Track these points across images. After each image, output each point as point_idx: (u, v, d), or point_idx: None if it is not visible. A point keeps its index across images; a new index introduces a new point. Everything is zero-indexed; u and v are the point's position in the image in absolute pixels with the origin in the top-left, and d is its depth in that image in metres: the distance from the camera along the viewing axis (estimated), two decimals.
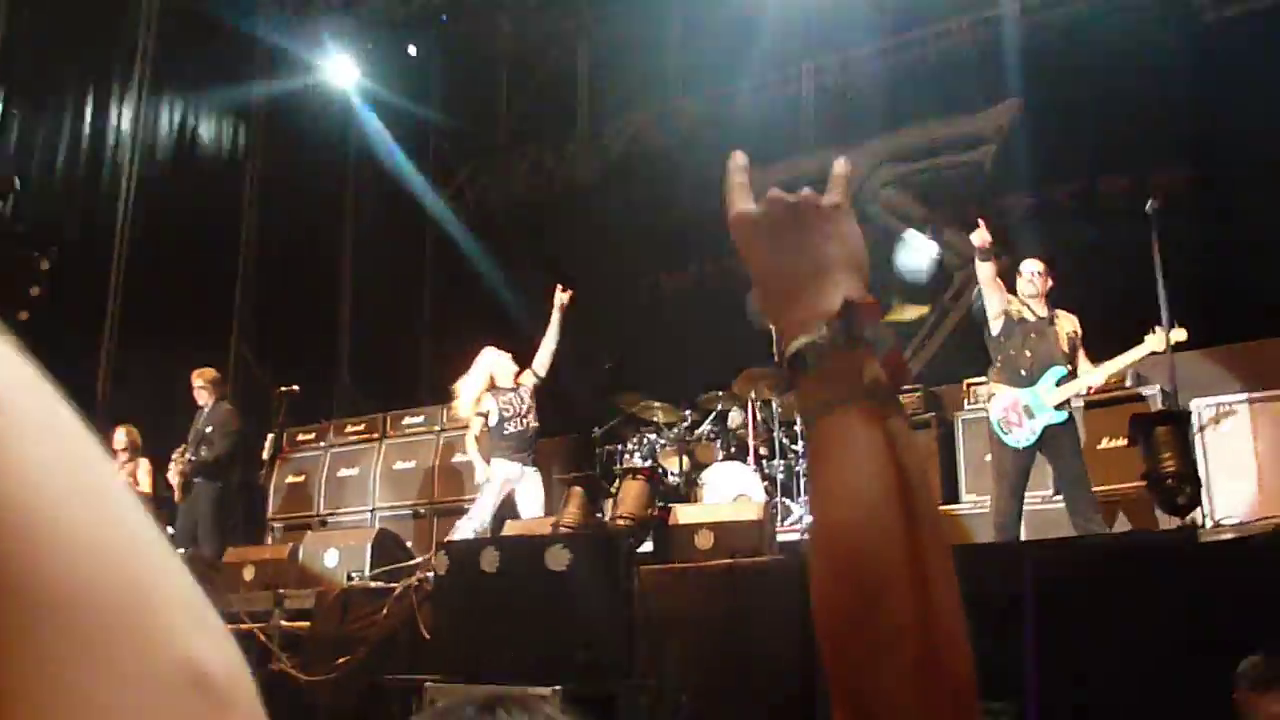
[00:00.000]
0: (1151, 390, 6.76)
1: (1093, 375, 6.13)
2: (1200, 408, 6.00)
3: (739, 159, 1.02)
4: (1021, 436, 5.99)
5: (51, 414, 0.44)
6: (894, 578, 0.74)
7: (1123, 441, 5.97)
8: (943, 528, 0.79)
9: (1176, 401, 6.09)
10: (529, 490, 7.52)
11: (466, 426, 7.98)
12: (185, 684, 0.42)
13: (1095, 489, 6.43)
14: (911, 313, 8.13)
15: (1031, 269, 6.41)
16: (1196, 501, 5.22)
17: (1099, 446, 6.65)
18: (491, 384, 7.62)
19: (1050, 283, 6.39)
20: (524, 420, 7.58)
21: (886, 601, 0.73)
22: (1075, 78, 9.41)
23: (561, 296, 7.73)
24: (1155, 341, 5.87)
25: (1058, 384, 6.01)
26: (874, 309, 0.84)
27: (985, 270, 6.29)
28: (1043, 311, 6.31)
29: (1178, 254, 6.19)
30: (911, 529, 0.75)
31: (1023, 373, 6.11)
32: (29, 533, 0.41)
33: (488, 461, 7.51)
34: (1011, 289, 6.40)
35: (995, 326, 6.31)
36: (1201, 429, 5.94)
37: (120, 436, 8.60)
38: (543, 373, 7.69)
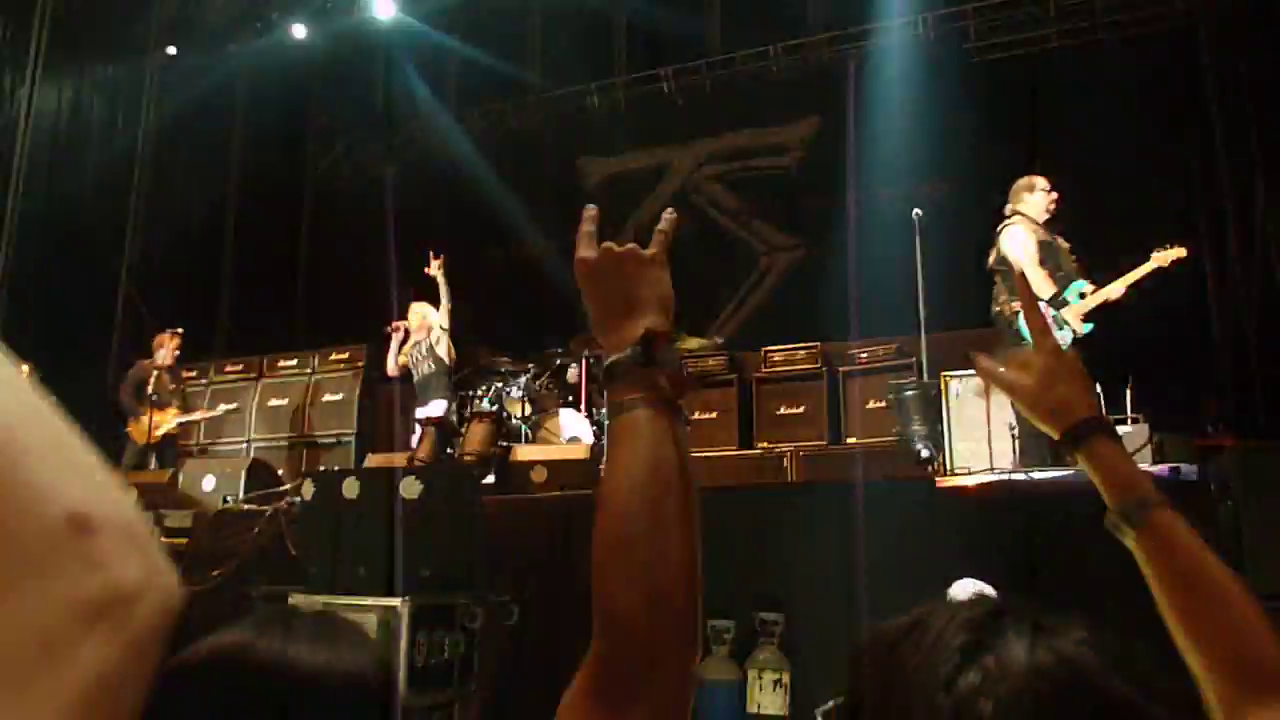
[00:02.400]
0: (909, 362, 7.12)
1: (1112, 288, 5.52)
2: (948, 379, 6.38)
3: (590, 211, 1.14)
4: None
5: None
6: (646, 531, 0.89)
7: (884, 403, 6.31)
8: (692, 497, 0.93)
9: (924, 374, 6.45)
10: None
11: (335, 371, 7.89)
12: (67, 529, 0.42)
13: (861, 441, 6.80)
14: (694, 343, 8.36)
15: (1047, 185, 5.78)
16: (936, 455, 5.57)
17: (866, 407, 7.01)
18: (406, 336, 7.66)
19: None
20: (420, 369, 7.61)
21: (639, 545, 0.88)
22: (867, 103, 9.76)
23: (434, 264, 7.71)
24: (1160, 258, 5.51)
25: (1081, 298, 5.50)
26: (665, 338, 1.00)
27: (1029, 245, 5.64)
28: (1052, 231, 5.76)
29: (937, 251, 6.54)
30: (665, 497, 0.90)
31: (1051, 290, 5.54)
32: None
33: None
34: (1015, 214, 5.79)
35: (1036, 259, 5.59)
36: (947, 397, 6.31)
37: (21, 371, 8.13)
38: (445, 324, 7.71)
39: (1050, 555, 4.15)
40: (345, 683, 0.92)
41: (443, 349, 7.78)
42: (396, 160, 12.52)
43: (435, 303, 7.80)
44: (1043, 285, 5.42)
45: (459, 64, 12.36)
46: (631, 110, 11.39)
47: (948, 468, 5.57)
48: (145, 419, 8.06)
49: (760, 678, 4.34)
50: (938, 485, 4.92)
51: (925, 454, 5.37)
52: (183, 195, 11.76)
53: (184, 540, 5.92)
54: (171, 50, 11.80)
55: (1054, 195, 5.75)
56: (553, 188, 11.44)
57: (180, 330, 8.05)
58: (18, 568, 0.41)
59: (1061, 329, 5.38)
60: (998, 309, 5.62)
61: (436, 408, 7.61)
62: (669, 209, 1.17)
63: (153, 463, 7.97)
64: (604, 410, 7.80)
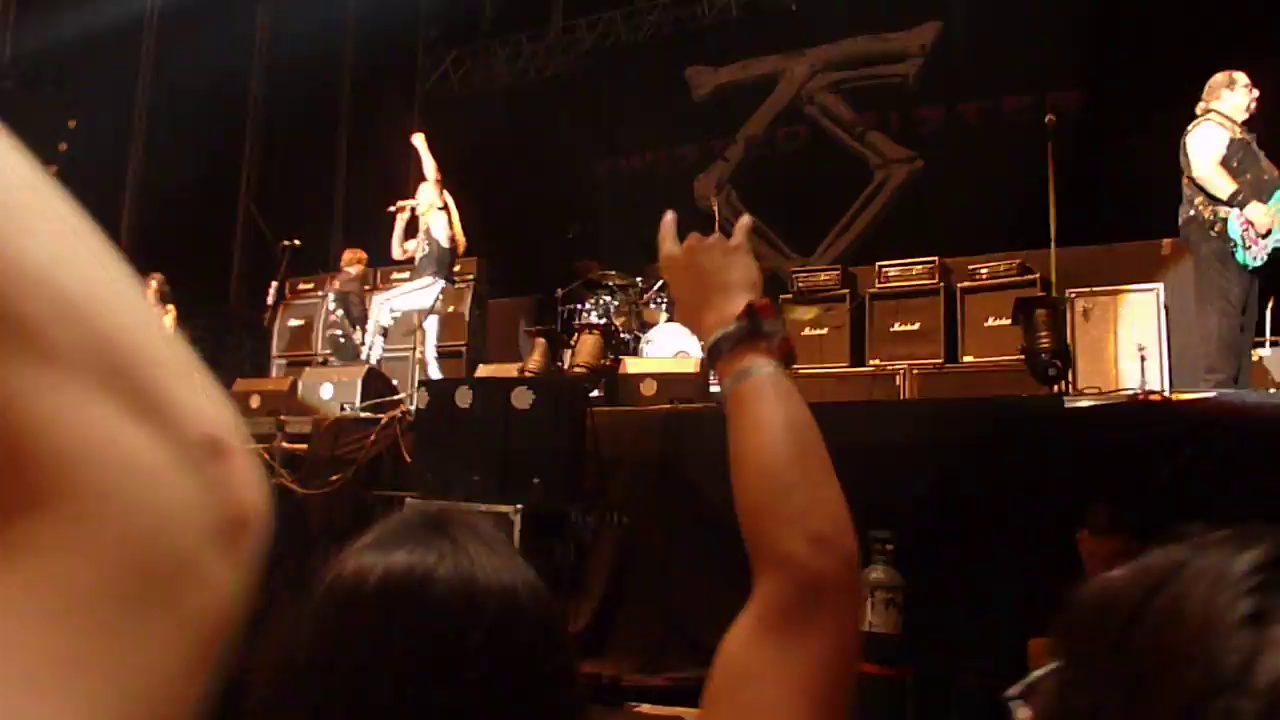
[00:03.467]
0: (1033, 278, 6.82)
1: None
2: (1073, 296, 6.08)
3: (669, 219, 1.19)
4: (1258, 255, 5.09)
5: (40, 192, 0.43)
6: (801, 478, 0.94)
7: (1006, 321, 6.03)
8: (823, 446, 0.97)
9: (1054, 290, 6.16)
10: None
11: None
12: (205, 451, 0.42)
13: (980, 359, 6.54)
14: (802, 313, 8.07)
15: (1248, 81, 5.30)
16: (1064, 374, 5.32)
17: (986, 324, 6.73)
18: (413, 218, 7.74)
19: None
20: (418, 252, 7.67)
21: (795, 492, 0.94)
22: (990, 5, 9.23)
23: (414, 137, 7.90)
24: None
25: None
26: (769, 308, 1.03)
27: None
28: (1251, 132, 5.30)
29: (1066, 166, 6.18)
30: (812, 446, 0.96)
31: (1260, 195, 5.12)
32: (88, 299, 0.41)
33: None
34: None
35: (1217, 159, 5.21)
36: (1073, 314, 6.02)
37: (153, 283, 8.42)
38: (440, 201, 7.73)
39: (1189, 482, 3.92)
40: (526, 592, 0.88)
41: (440, 229, 7.59)
42: (505, 73, 12.43)
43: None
44: (1221, 185, 5.05)
45: None
46: (743, 17, 11.01)
47: (1074, 388, 5.33)
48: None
49: (873, 596, 4.26)
50: (1065, 405, 4.69)
51: (1052, 373, 5.13)
52: (293, 108, 11.91)
53: (303, 446, 6.09)
54: None
55: (1255, 92, 5.31)
56: (661, 99, 11.21)
57: (297, 242, 8.20)
58: (160, 490, 0.40)
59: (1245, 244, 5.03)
60: (1191, 213, 5.26)
61: (423, 297, 7.52)
62: (745, 218, 1.20)
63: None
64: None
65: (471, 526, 0.92)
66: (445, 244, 7.56)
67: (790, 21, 10.64)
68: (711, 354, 1.03)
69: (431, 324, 7.69)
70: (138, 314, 0.44)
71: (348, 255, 8.82)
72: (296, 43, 11.83)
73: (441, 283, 7.52)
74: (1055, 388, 5.19)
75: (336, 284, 8.67)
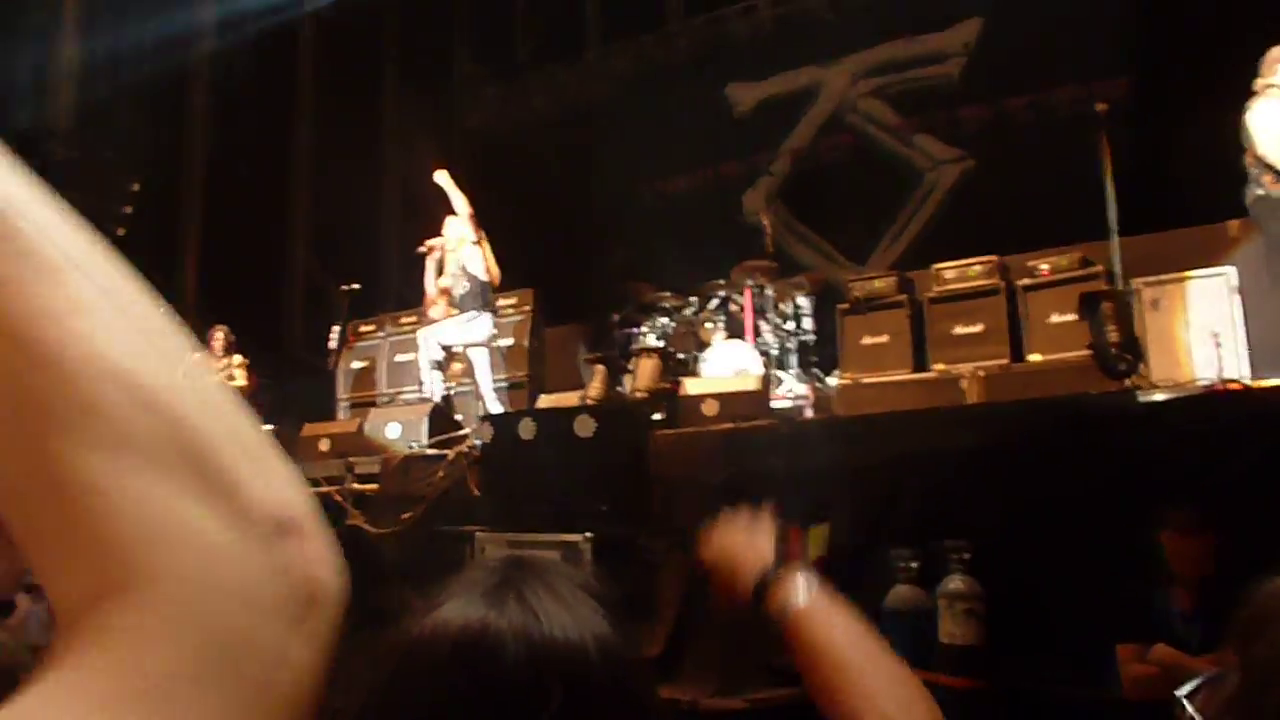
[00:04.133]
0: (1096, 270, 6.68)
1: None
2: (1140, 286, 5.95)
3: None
4: None
5: (119, 289, 0.45)
6: (872, 689, 1.07)
7: (1070, 317, 5.92)
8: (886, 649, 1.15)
9: (1119, 281, 6.02)
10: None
11: (504, 317, 8.05)
12: (275, 531, 0.43)
13: (1047, 357, 6.42)
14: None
15: None
16: (1136, 368, 5.20)
17: (1050, 321, 6.61)
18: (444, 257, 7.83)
19: None
20: (456, 289, 7.73)
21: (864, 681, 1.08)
22: None
23: (438, 174, 7.97)
24: None
25: None
26: (798, 538, 1.31)
27: None
28: None
29: (1121, 153, 6.06)
30: (880, 648, 1.13)
31: None
32: (165, 391, 0.42)
33: None
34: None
35: None
36: (1141, 305, 5.89)
37: (220, 334, 8.63)
38: (474, 235, 7.87)
39: (1274, 474, 3.79)
40: (596, 647, 0.87)
41: (476, 263, 7.62)
42: (544, 102, 12.56)
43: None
44: None
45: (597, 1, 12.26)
46: (778, 31, 11.01)
47: (1148, 380, 5.20)
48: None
49: (951, 607, 4.18)
50: (1139, 399, 4.58)
51: (1122, 367, 5.01)
52: (340, 153, 12.16)
53: (373, 485, 6.17)
54: None
55: None
56: (703, 118, 11.23)
57: (356, 286, 8.35)
58: (232, 572, 0.42)
59: None
60: (1260, 192, 5.11)
61: (480, 329, 7.53)
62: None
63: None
64: (769, 340, 7.70)
65: (544, 577, 0.92)
66: (483, 277, 7.63)
67: (827, 31, 10.62)
68: (757, 593, 1.21)
69: (481, 357, 7.73)
70: (209, 400, 0.45)
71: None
72: (339, 89, 12.10)
73: (488, 315, 7.59)
74: (1127, 382, 5.07)
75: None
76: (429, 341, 7.65)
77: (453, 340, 7.61)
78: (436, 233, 12.23)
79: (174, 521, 0.41)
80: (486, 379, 7.71)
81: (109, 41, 10.06)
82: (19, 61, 9.36)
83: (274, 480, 0.45)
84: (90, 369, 0.41)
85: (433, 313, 8.07)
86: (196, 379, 0.45)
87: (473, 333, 7.58)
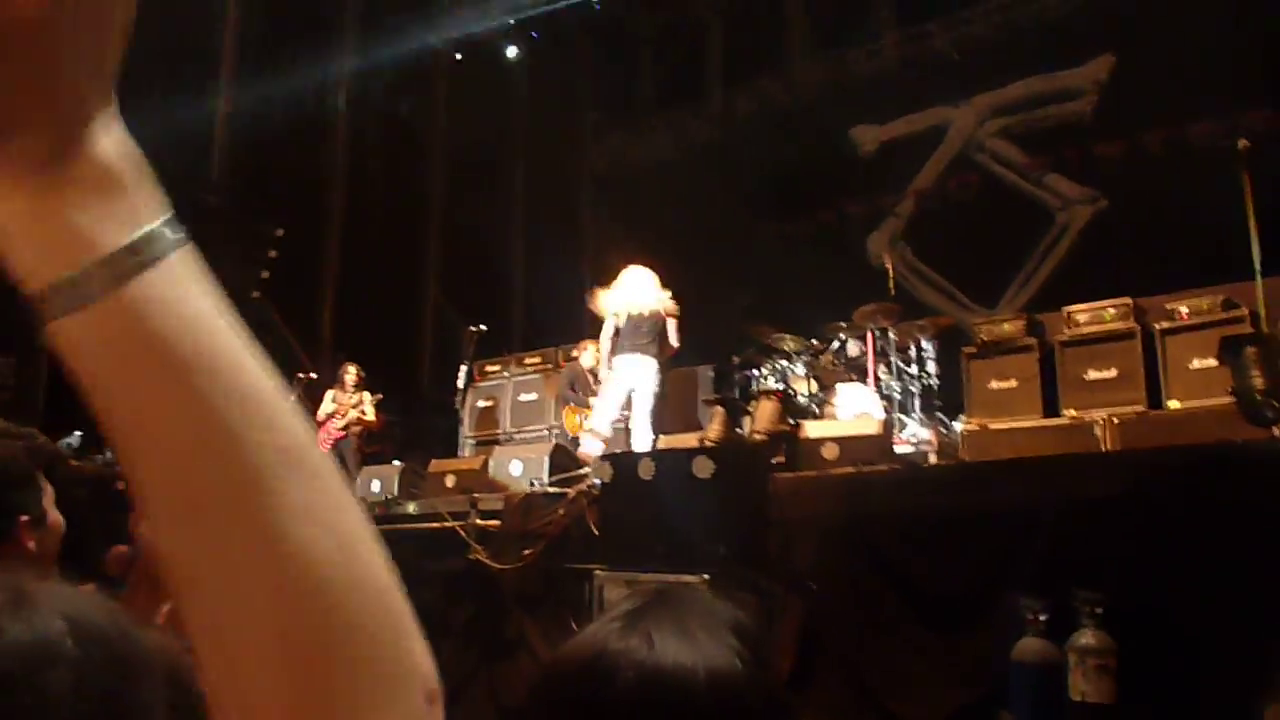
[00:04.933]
0: (1240, 314, 6.39)
1: None
2: None
3: None
4: None
5: (324, 481, 0.49)
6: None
7: (1213, 361, 5.67)
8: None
9: (1264, 324, 5.75)
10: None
11: None
12: (425, 695, 0.48)
13: (1186, 404, 6.16)
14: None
15: None
16: None
17: (1190, 366, 6.35)
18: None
19: None
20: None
21: None
22: (1166, 29, 8.85)
23: None
24: None
25: None
26: None
27: None
28: None
29: (1265, 190, 5.81)
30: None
31: None
32: (352, 585, 0.46)
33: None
34: None
35: None
36: None
37: (351, 371, 9.01)
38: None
39: None
40: (708, 679, 0.90)
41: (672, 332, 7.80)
42: (669, 146, 12.75)
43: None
44: None
45: (719, 44, 12.42)
46: (902, 70, 10.94)
47: None
48: (576, 413, 8.59)
49: (1083, 662, 4.02)
50: None
51: (1269, 414, 4.76)
52: (472, 200, 12.59)
53: (496, 522, 6.32)
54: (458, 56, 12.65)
55: None
56: (826, 161, 11.23)
57: (484, 327, 8.60)
58: None
59: None
60: None
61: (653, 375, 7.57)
62: None
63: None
64: (891, 384, 7.60)
65: (676, 608, 0.95)
66: (673, 341, 7.74)
67: (952, 70, 10.51)
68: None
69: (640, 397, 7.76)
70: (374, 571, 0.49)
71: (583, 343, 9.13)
72: (472, 136, 12.57)
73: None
74: (1275, 431, 4.81)
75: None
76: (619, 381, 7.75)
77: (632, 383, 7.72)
78: (564, 274, 12.51)
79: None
80: (643, 416, 7.73)
81: (256, 92, 10.71)
82: (177, 113, 10.06)
83: (419, 645, 0.50)
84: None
85: (584, 359, 8.51)
86: (382, 561, 0.50)
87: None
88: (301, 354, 9.85)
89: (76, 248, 0.47)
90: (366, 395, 9.03)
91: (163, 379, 0.47)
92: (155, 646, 0.69)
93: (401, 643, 0.47)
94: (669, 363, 7.90)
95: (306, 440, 0.49)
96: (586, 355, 8.80)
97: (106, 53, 0.49)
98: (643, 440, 7.39)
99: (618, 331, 7.74)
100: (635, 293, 7.83)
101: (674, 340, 7.74)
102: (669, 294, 7.84)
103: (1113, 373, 6.73)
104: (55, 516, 1.92)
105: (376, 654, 0.46)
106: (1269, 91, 8.26)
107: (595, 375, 8.78)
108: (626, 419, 7.67)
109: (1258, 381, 4.90)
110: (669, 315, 7.76)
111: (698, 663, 0.90)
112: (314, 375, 9.06)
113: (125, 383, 0.47)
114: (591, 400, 8.46)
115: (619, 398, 7.63)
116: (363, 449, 9.11)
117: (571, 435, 8.28)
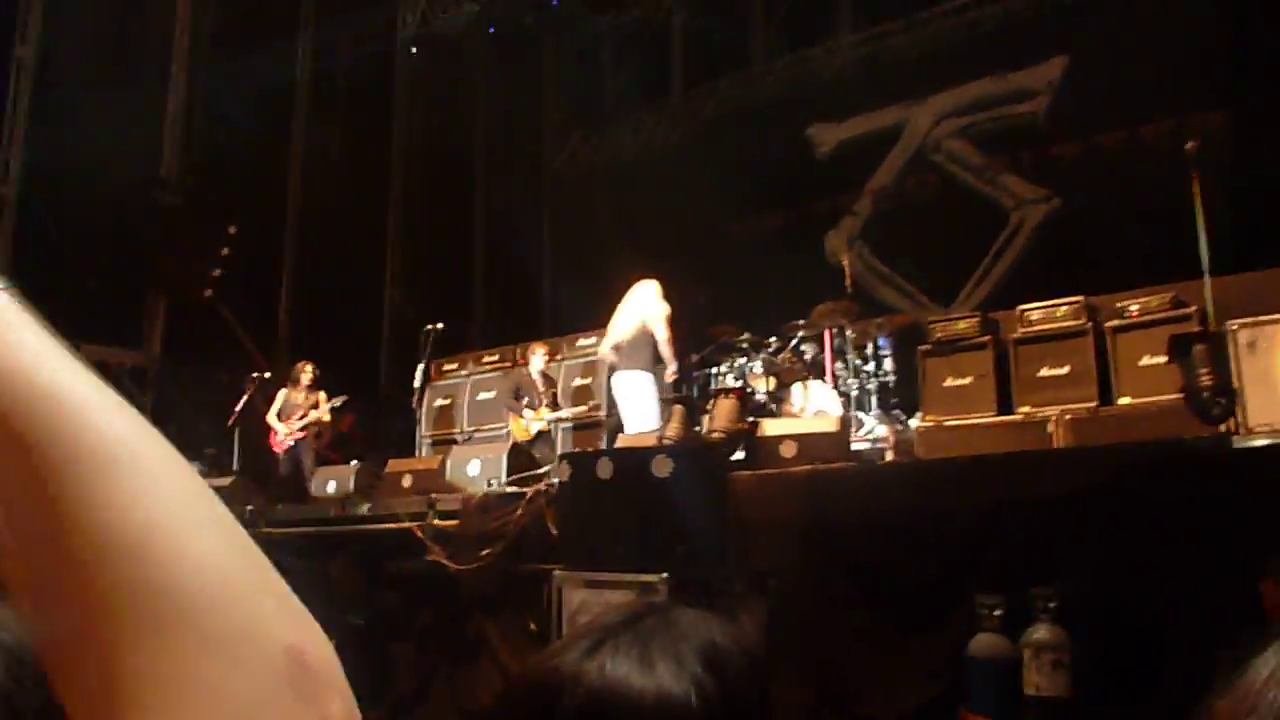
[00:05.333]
0: (1189, 311, 6.48)
1: None
2: (1234, 327, 5.74)
3: None
4: None
5: (166, 456, 0.49)
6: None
7: (1162, 359, 5.75)
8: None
9: (1213, 323, 5.84)
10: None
11: (582, 356, 8.12)
12: (289, 666, 0.46)
13: (1136, 401, 6.25)
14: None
15: None
16: (1230, 412, 5.02)
17: (1140, 363, 6.43)
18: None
19: None
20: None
21: None
22: (1117, 32, 9.00)
23: None
24: None
25: None
26: None
27: None
28: None
29: (1214, 190, 5.90)
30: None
31: None
32: (169, 555, 0.46)
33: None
34: None
35: None
36: (1236, 347, 5.68)
37: (307, 370, 8.86)
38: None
39: None
40: (657, 710, 0.86)
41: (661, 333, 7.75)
42: (630, 146, 12.74)
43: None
44: None
45: (681, 44, 12.43)
46: (861, 70, 11.02)
47: (1244, 426, 5.01)
48: (522, 419, 8.48)
49: (1038, 657, 4.06)
50: (1234, 445, 4.42)
51: (1216, 412, 4.84)
52: (431, 198, 12.49)
53: (454, 522, 6.26)
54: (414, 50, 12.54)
55: None
56: (784, 160, 11.27)
57: (440, 325, 8.52)
58: (245, 703, 0.44)
59: None
60: None
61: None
62: None
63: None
64: (849, 381, 7.64)
65: (640, 629, 0.92)
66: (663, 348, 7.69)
67: (910, 71, 10.60)
68: None
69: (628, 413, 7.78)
70: (214, 531, 0.49)
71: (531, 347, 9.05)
72: (431, 134, 12.46)
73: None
74: (1222, 427, 4.89)
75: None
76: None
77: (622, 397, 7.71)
78: (523, 274, 12.46)
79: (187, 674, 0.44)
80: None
81: (213, 92, 10.54)
82: (131, 112, 9.87)
83: (286, 611, 0.48)
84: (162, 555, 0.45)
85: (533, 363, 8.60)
86: (233, 529, 0.49)
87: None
88: (256, 353, 9.70)
89: None
90: (323, 394, 8.91)
91: None
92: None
93: (240, 601, 0.46)
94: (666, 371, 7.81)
95: (124, 435, 0.48)
96: (536, 359, 8.73)
97: None
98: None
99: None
100: (622, 310, 7.80)
101: (663, 352, 7.66)
102: (661, 307, 7.73)
103: (1065, 370, 6.80)
104: None
105: (200, 609, 0.45)
106: (1219, 93, 8.41)
107: (547, 378, 8.74)
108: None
109: (1206, 379, 4.98)
110: (652, 327, 7.69)
111: (647, 690, 0.87)
112: (268, 375, 8.93)
113: None
114: (540, 406, 8.44)
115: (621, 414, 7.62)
116: (320, 450, 8.99)
117: (516, 441, 8.20)
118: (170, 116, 10.33)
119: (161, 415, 9.00)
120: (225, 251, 9.20)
